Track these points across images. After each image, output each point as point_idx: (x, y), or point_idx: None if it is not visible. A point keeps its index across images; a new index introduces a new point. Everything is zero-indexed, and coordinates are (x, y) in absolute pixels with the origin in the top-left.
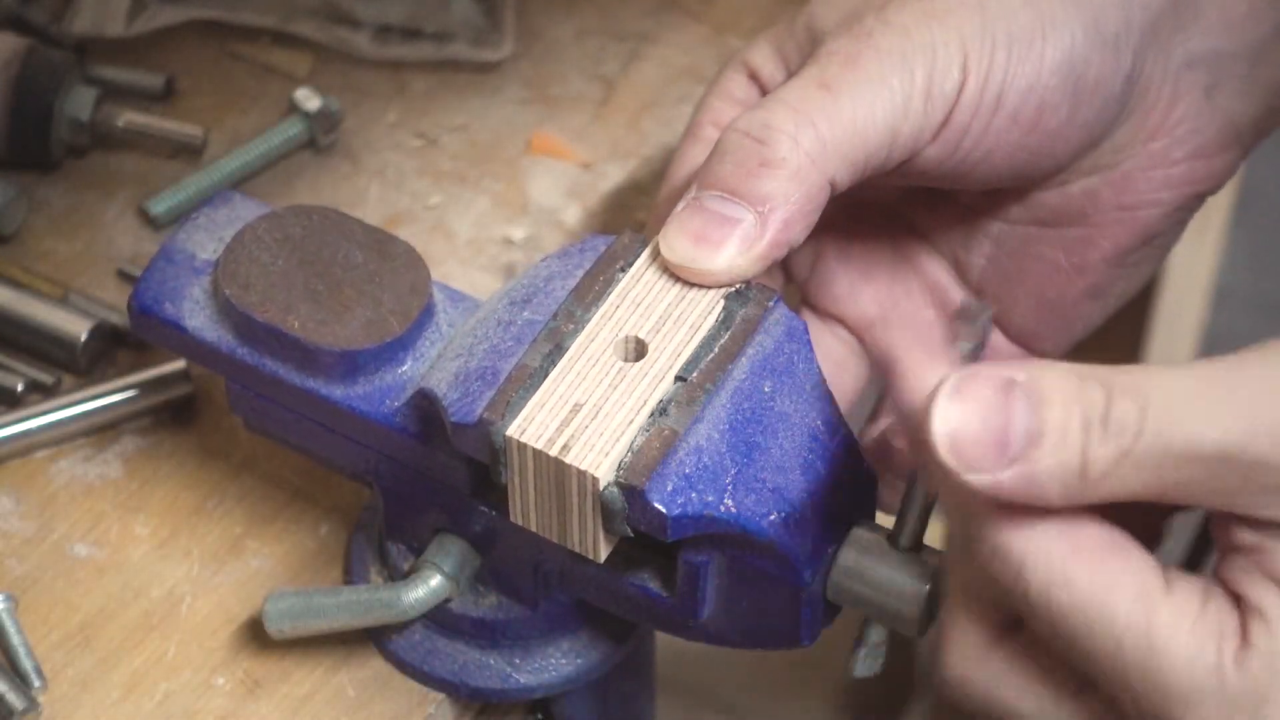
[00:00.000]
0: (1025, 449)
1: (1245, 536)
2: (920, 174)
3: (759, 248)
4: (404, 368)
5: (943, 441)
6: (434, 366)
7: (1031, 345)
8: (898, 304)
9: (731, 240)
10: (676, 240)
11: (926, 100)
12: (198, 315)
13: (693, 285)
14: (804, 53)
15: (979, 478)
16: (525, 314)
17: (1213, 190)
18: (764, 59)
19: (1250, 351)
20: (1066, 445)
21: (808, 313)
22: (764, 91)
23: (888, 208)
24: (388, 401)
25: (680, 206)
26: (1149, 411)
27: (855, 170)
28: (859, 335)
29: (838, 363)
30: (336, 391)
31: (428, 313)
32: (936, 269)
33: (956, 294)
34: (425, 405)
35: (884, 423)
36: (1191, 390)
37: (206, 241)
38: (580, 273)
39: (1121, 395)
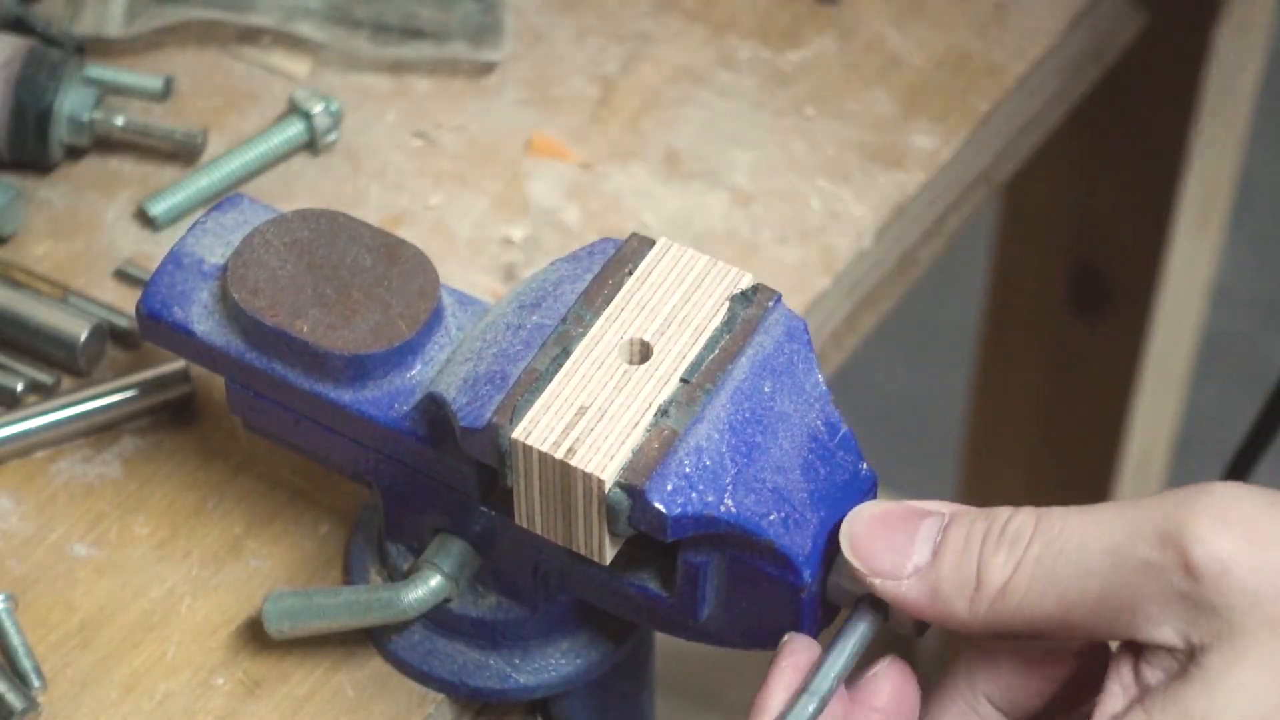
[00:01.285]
0: (926, 557)
1: (1150, 674)
2: None
3: None
4: (413, 372)
5: (848, 544)
6: (443, 370)
7: None
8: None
9: None
10: None
11: None
12: (206, 320)
13: (697, 287)
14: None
15: (884, 584)
16: (534, 318)
17: None
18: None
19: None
20: (965, 556)
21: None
22: None
23: None
24: (396, 405)
25: None
26: (1041, 522)
27: None
28: None
29: None
30: (345, 395)
31: (436, 316)
32: None
33: None
34: (434, 409)
35: None
36: (1085, 511)
37: (214, 246)
38: (589, 276)
39: (1021, 512)
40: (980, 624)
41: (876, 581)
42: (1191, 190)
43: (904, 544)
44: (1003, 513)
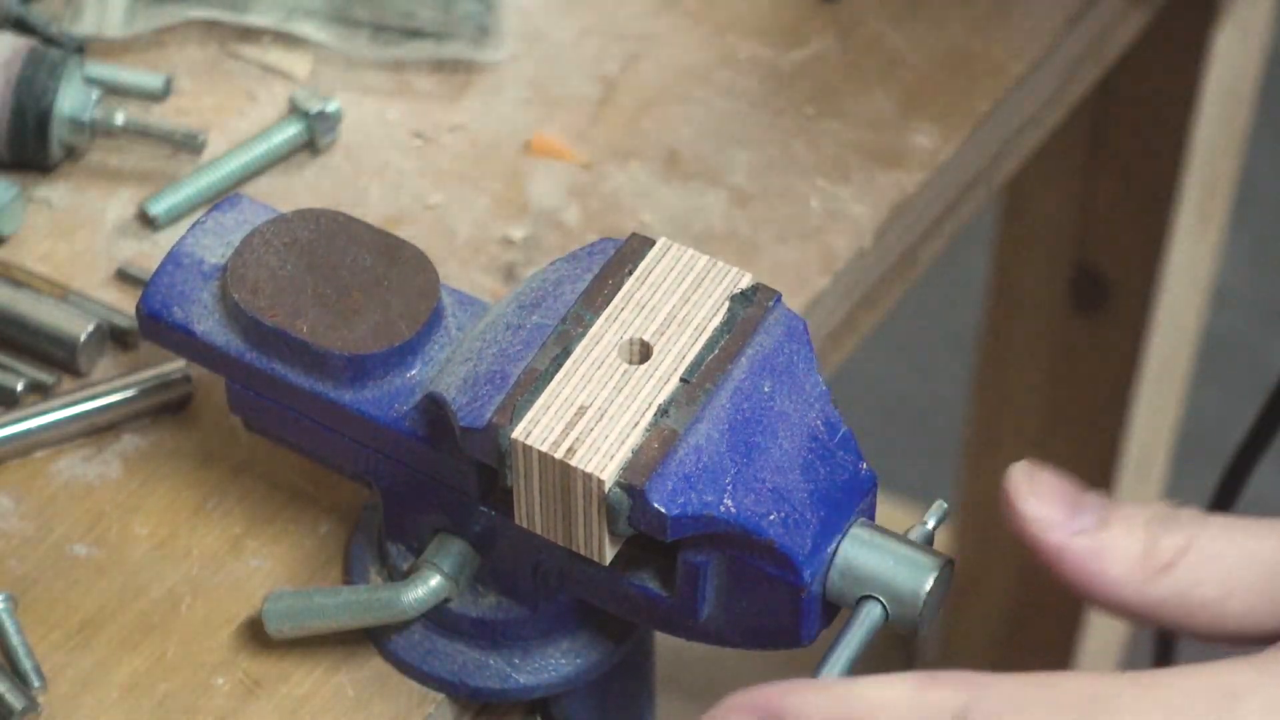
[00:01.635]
0: (1093, 523)
1: None
2: None
3: None
4: (413, 372)
5: (1021, 481)
6: (443, 370)
7: None
8: None
9: None
10: None
11: None
12: (206, 320)
13: (697, 287)
14: None
15: (1051, 534)
16: (534, 318)
17: None
18: None
19: None
20: (1133, 529)
21: None
22: None
23: None
24: (396, 405)
25: None
26: (1211, 516)
27: None
28: None
29: None
30: (345, 395)
31: (436, 316)
32: None
33: None
34: (434, 409)
35: None
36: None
37: (214, 246)
38: (589, 276)
39: (1187, 510)
40: (1135, 595)
41: (1039, 522)
42: (1191, 190)
43: (1069, 505)
44: (1165, 507)
